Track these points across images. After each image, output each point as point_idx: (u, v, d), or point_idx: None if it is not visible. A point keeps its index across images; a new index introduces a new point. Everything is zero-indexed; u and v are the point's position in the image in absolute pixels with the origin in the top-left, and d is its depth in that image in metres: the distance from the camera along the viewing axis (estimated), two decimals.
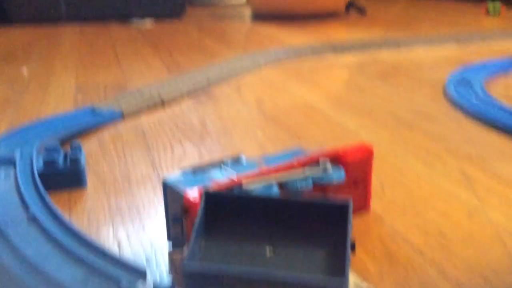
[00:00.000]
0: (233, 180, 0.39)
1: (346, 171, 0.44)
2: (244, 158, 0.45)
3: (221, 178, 0.41)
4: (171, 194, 0.40)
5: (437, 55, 1.26)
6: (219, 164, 0.44)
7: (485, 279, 0.39)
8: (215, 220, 0.35)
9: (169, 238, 0.42)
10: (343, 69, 1.14)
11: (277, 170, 0.42)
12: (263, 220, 0.35)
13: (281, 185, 0.41)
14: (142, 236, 0.44)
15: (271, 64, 1.18)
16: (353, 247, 0.34)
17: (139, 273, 0.35)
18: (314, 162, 0.44)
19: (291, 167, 0.42)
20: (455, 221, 0.47)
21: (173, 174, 0.42)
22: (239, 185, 0.39)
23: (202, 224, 0.35)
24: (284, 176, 0.41)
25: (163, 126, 0.76)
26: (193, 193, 0.37)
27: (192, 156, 0.64)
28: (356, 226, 0.45)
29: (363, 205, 0.47)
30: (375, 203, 0.49)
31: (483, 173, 0.57)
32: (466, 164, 0.60)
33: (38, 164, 0.55)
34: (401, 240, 0.44)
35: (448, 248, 0.43)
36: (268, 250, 0.36)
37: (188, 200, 0.36)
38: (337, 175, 0.42)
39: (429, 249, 0.42)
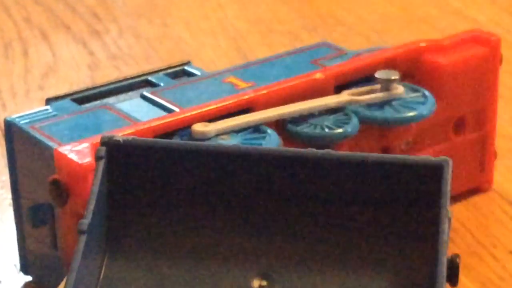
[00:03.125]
0: (172, 119, 0.27)
1: (440, 95, 0.30)
2: (195, 69, 0.32)
3: (143, 114, 0.28)
4: (27, 154, 0.28)
5: None
6: (137, 85, 0.31)
7: None
8: (129, 207, 0.24)
9: (23, 264, 0.29)
10: None
11: (277, 94, 0.29)
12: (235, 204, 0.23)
13: (285, 130, 0.28)
14: None
15: None
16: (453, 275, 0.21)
17: None
18: (364, 75, 0.30)
19: (312, 85, 0.29)
20: None
21: (32, 110, 0.29)
22: (185, 129, 0.27)
23: (101, 222, 0.24)
24: (294, 109, 0.28)
25: None
26: (78, 150, 0.26)
27: (74, 68, 0.42)
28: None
29: (478, 176, 0.32)
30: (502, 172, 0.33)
31: None
32: None
33: None
34: None
35: None
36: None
37: (69, 167, 0.26)
38: (419, 105, 0.29)
39: None
